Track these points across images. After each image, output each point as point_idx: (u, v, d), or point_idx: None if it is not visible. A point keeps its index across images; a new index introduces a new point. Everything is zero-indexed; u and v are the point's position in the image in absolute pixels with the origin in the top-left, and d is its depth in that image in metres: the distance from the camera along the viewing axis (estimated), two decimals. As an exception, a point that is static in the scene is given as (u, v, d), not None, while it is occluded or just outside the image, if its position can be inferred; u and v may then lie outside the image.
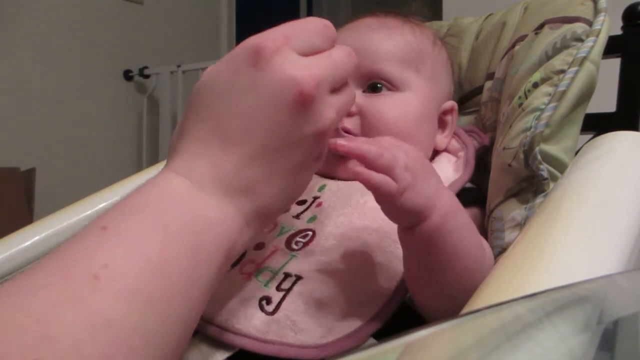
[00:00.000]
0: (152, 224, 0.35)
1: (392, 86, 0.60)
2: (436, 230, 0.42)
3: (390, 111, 0.58)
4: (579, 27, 0.53)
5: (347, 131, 0.59)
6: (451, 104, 0.65)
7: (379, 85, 0.60)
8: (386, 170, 0.41)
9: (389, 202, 0.41)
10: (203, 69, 1.77)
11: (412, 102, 0.59)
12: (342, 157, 0.58)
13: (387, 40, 0.61)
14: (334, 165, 0.59)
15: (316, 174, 0.62)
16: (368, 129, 0.58)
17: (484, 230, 0.54)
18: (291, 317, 0.46)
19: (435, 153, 0.64)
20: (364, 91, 0.60)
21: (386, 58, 0.60)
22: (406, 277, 0.47)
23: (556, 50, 0.53)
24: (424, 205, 0.41)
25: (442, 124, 0.64)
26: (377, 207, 0.53)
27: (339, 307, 0.47)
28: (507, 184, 0.51)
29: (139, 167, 2.21)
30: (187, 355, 0.47)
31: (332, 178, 0.61)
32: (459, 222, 0.44)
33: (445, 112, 0.64)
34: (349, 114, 0.58)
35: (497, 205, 0.52)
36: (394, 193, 0.40)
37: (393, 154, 0.42)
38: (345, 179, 0.59)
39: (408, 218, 0.42)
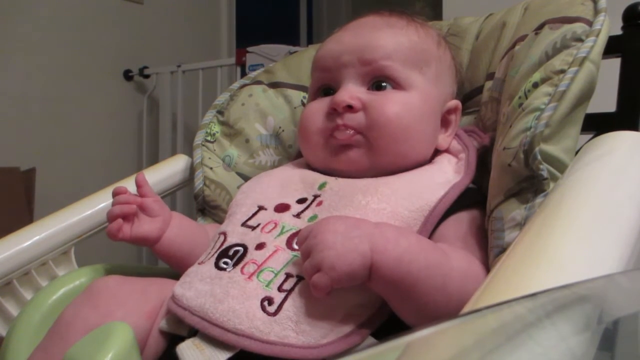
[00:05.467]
0: None
1: (396, 84, 0.60)
2: (386, 267, 0.43)
3: (393, 107, 0.58)
4: (579, 27, 0.53)
5: (351, 128, 0.59)
6: (455, 103, 0.65)
7: (383, 84, 0.60)
8: (309, 270, 0.45)
9: (333, 283, 0.44)
10: (203, 69, 1.77)
11: (415, 100, 0.60)
12: (343, 147, 0.59)
13: (392, 40, 0.61)
14: (335, 156, 0.60)
15: (316, 170, 0.63)
16: (371, 124, 0.58)
17: (484, 231, 0.54)
18: (293, 318, 0.46)
19: (436, 153, 0.64)
20: (368, 89, 0.60)
21: (391, 57, 0.60)
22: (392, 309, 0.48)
23: (556, 50, 0.52)
24: (358, 256, 0.43)
25: (445, 123, 0.64)
26: (380, 209, 0.53)
27: (339, 307, 0.47)
28: (507, 184, 0.51)
29: (138, 167, 2.21)
30: (189, 355, 0.47)
31: (331, 174, 0.61)
32: (403, 246, 0.45)
33: (450, 111, 0.64)
34: (353, 110, 0.59)
35: (497, 205, 0.52)
36: (326, 278, 0.43)
37: (303, 254, 0.46)
38: (345, 172, 0.60)
39: (359, 273, 0.44)
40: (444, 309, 0.45)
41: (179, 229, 0.63)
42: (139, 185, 0.63)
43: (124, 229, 0.60)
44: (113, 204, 0.61)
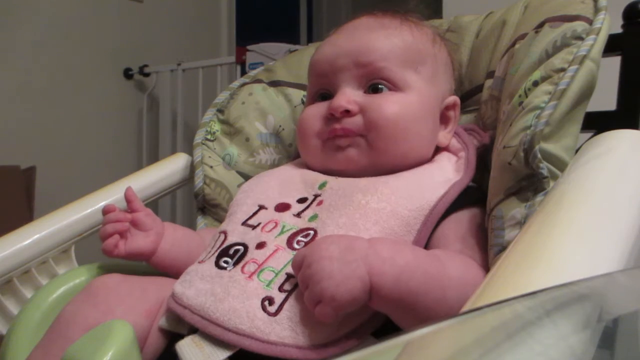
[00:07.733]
0: None
1: (393, 86, 0.60)
2: (385, 289, 0.43)
3: (391, 108, 0.59)
4: (579, 26, 0.53)
5: (349, 131, 0.59)
6: (453, 99, 0.65)
7: (380, 86, 0.60)
8: (311, 301, 0.44)
9: (338, 311, 0.43)
10: (203, 68, 1.77)
11: (412, 100, 0.60)
12: (339, 148, 0.59)
13: (386, 41, 0.61)
14: (332, 156, 0.60)
15: (316, 169, 0.63)
16: (370, 126, 0.58)
17: (484, 230, 0.54)
18: (293, 318, 0.46)
19: (436, 151, 0.64)
20: (365, 92, 0.61)
21: (386, 59, 0.60)
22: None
23: (556, 49, 0.52)
24: (358, 282, 0.43)
25: (445, 120, 0.64)
26: (380, 208, 0.53)
27: None
28: (507, 183, 0.51)
29: (139, 166, 2.21)
30: (189, 353, 0.47)
31: (331, 174, 0.61)
32: (400, 264, 0.44)
33: (448, 108, 0.64)
34: (351, 114, 0.59)
35: (497, 203, 0.52)
36: (329, 309, 0.43)
37: (301, 284, 0.46)
38: (344, 172, 0.60)
39: (360, 298, 0.43)
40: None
41: (173, 240, 0.63)
42: (128, 201, 0.62)
43: (119, 246, 0.60)
44: (104, 223, 0.60)
